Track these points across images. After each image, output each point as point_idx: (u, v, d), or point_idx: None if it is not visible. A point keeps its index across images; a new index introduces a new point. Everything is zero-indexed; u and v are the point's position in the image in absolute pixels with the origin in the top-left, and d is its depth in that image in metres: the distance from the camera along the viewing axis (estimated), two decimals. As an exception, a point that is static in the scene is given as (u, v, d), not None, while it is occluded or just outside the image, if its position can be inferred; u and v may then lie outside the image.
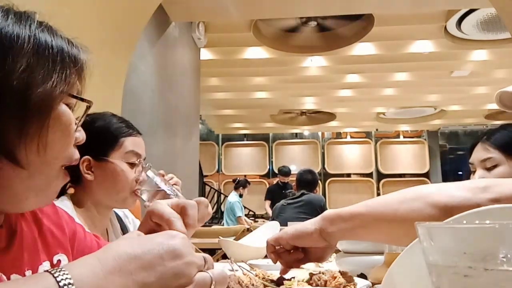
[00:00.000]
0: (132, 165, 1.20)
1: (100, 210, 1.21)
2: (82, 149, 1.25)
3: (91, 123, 1.22)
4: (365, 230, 0.78)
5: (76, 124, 0.59)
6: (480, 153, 1.32)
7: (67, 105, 0.57)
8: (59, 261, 0.66)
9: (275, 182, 7.10)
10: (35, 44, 0.52)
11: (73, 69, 0.56)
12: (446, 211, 0.66)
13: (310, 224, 0.82)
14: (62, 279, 0.42)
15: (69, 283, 0.42)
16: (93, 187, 1.18)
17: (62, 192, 1.20)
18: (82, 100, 0.59)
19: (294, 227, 0.84)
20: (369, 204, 0.78)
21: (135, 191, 1.19)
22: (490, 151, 1.29)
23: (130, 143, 1.20)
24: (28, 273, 0.59)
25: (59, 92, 0.54)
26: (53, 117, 0.54)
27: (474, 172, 1.34)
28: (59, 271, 0.43)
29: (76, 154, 0.62)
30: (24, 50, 0.51)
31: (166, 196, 1.19)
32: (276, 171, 10.26)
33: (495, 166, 1.27)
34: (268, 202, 6.37)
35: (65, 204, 1.14)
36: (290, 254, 0.86)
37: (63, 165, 0.59)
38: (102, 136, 1.19)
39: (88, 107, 0.60)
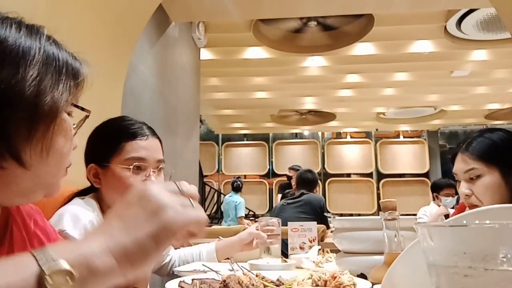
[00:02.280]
0: (136, 170, 1.15)
1: None
2: (90, 156, 1.27)
3: (98, 130, 1.22)
4: None
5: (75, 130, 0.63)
6: (461, 164, 1.28)
7: (67, 113, 0.61)
8: None
9: (287, 178, 7.35)
10: (44, 55, 0.57)
11: (75, 81, 0.61)
12: None
13: None
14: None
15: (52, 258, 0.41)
16: (103, 194, 1.18)
17: (87, 192, 1.21)
18: (83, 109, 0.63)
19: None
20: None
21: None
22: (469, 163, 1.25)
23: (132, 147, 1.16)
24: None
25: (64, 101, 0.58)
26: (57, 123, 0.58)
27: (459, 181, 1.31)
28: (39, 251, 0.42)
29: (70, 160, 0.65)
30: (35, 60, 0.56)
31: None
32: (276, 171, 10.32)
33: (478, 177, 1.24)
34: (280, 196, 6.61)
35: (90, 203, 1.14)
36: None
37: (66, 167, 0.64)
38: (105, 142, 1.18)
39: (87, 116, 0.65)
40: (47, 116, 0.56)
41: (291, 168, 6.76)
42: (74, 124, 0.63)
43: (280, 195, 6.65)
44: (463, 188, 1.28)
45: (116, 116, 1.24)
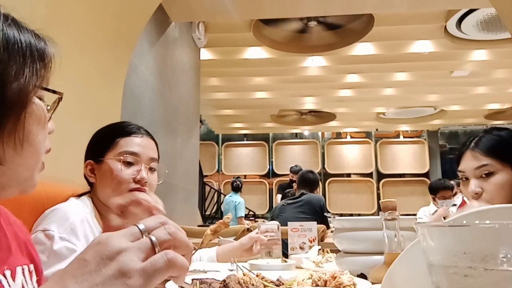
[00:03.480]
0: (128, 164, 1.17)
1: (109, 212, 1.20)
2: (88, 154, 1.31)
3: (98, 131, 1.26)
4: None
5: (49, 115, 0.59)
6: (471, 161, 1.25)
7: (38, 98, 0.56)
8: (31, 272, 0.66)
9: (288, 179, 7.34)
10: (4, 39, 0.51)
11: (42, 63, 0.55)
12: None
13: None
14: None
15: None
16: (97, 189, 1.19)
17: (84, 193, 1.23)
18: (54, 92, 0.58)
19: None
20: None
21: (133, 190, 1.16)
22: (481, 159, 1.22)
23: (125, 142, 1.19)
24: (7, 272, 0.59)
25: (32, 86, 0.53)
26: (28, 112, 0.53)
27: (464, 180, 1.28)
28: None
29: (49, 144, 0.61)
30: None
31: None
32: (276, 171, 10.33)
33: (491, 174, 1.21)
34: (279, 196, 6.59)
35: (84, 201, 1.16)
36: None
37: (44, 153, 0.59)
38: (102, 139, 1.22)
39: (60, 99, 0.60)
40: (15, 105, 0.51)
41: (292, 171, 6.74)
42: (48, 106, 0.58)
43: (279, 195, 6.65)
44: (472, 186, 1.23)
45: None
